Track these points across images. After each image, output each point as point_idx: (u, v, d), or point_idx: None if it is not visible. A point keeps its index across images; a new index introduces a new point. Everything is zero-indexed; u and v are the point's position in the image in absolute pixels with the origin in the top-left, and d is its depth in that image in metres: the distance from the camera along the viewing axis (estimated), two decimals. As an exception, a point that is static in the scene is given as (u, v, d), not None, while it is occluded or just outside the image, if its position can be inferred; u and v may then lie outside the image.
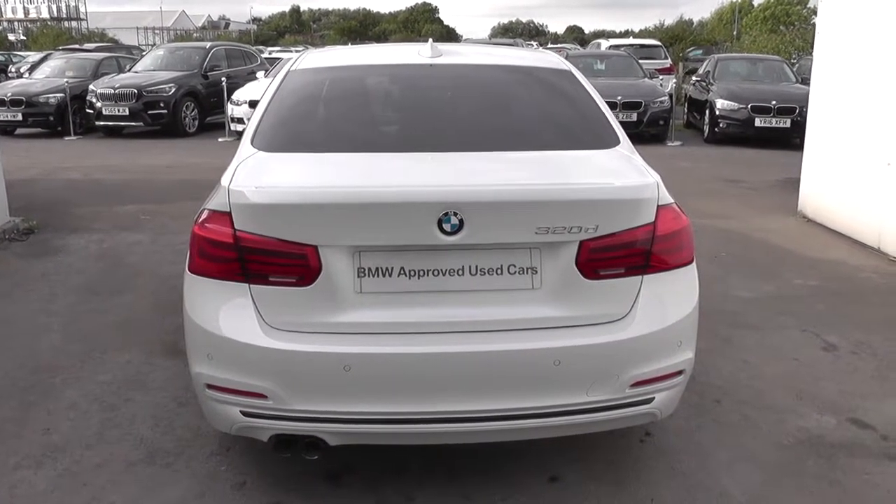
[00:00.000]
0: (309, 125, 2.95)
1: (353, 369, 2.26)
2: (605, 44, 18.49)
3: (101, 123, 12.97)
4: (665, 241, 2.39)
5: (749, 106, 11.60)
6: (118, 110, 12.62)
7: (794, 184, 7.47)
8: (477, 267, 2.31)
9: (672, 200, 2.47)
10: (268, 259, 2.28)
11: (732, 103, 11.81)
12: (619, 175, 2.51)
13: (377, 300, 2.30)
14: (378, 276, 2.30)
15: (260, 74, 14.27)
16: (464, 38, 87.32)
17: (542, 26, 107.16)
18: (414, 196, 2.28)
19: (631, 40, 21.37)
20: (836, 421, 3.27)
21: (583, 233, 2.30)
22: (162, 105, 12.67)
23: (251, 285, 2.31)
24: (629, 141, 2.86)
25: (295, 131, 2.88)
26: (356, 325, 2.29)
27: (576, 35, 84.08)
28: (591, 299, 2.36)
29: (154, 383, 3.59)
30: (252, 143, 2.73)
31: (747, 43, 40.13)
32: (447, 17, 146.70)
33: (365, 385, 2.27)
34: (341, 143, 2.77)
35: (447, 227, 2.23)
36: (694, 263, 2.56)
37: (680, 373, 2.49)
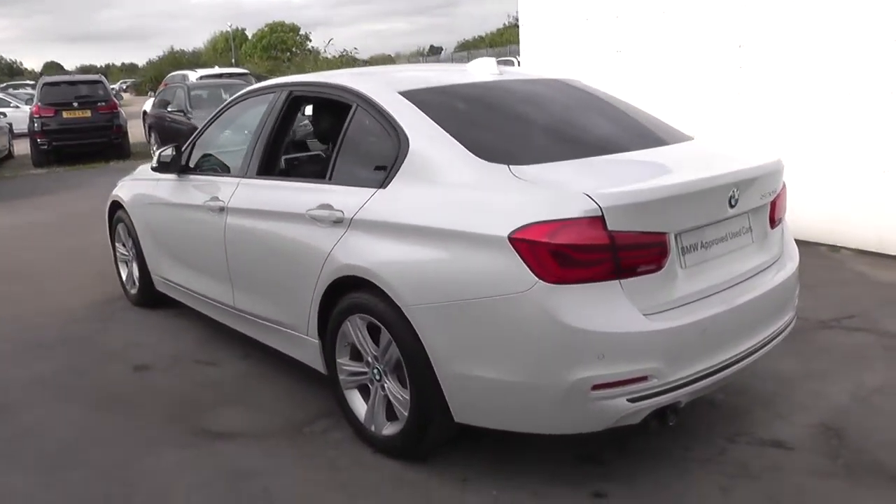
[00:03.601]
0: (515, 138, 3.20)
1: (706, 331, 2.69)
2: (192, 76, 17.77)
3: None
4: (785, 197, 3.32)
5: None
6: None
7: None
8: (731, 233, 2.95)
9: None
10: (638, 252, 2.57)
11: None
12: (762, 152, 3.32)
13: (694, 272, 2.77)
14: (691, 251, 2.77)
15: None
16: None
17: (15, 63, 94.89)
18: (722, 180, 2.83)
19: (217, 69, 21.15)
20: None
21: (772, 195, 3.13)
22: None
23: (621, 280, 2.54)
24: None
25: (516, 144, 3.12)
26: (692, 295, 2.72)
27: (58, 71, 76.60)
28: (772, 245, 3.18)
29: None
30: (479, 157, 2.84)
31: (251, 67, 42.78)
32: None
33: (711, 342, 2.72)
34: (568, 151, 3.05)
35: (732, 202, 2.84)
36: None
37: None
